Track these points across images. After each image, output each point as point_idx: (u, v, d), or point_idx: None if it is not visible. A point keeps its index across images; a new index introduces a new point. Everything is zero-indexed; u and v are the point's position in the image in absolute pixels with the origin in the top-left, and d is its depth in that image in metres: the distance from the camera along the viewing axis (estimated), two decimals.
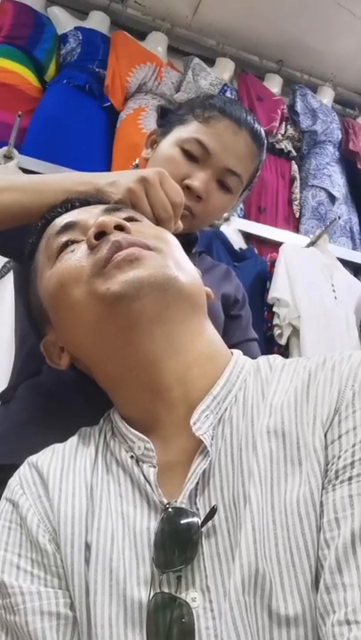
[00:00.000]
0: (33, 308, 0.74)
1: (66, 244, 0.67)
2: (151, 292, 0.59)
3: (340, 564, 0.45)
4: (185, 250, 0.70)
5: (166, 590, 0.51)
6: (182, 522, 0.52)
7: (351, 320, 2.15)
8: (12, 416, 0.86)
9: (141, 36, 2.74)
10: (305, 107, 2.85)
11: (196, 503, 0.54)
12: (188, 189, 0.93)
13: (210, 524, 0.52)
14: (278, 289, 2.08)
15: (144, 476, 0.57)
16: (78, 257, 0.64)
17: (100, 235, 0.63)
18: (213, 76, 2.72)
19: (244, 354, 0.68)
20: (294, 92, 2.92)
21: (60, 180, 0.83)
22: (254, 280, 2.15)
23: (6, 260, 1.83)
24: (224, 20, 2.79)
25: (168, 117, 1.07)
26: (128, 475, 0.59)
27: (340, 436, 0.51)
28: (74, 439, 0.66)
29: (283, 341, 2.05)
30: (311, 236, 2.40)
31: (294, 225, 2.65)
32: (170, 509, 0.53)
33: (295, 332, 2.05)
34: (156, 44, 2.72)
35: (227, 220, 2.20)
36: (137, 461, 0.59)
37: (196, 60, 2.73)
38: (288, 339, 2.07)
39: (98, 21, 2.67)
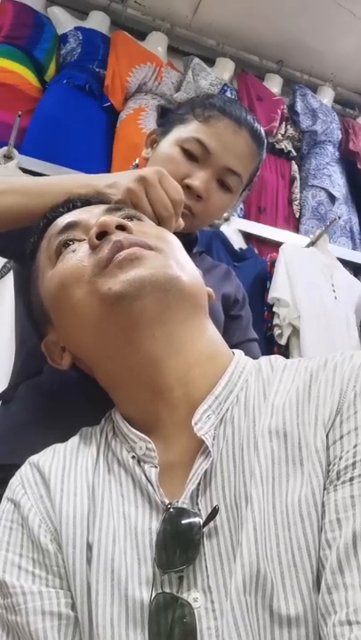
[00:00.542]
0: (34, 308, 0.74)
1: (67, 244, 0.67)
2: (153, 291, 0.59)
3: (342, 564, 0.45)
4: (185, 250, 0.70)
5: (168, 590, 0.51)
6: (184, 522, 0.52)
7: (351, 320, 2.15)
8: (12, 416, 0.86)
9: (141, 36, 2.74)
10: (305, 107, 2.86)
11: (197, 503, 0.54)
12: (188, 189, 0.93)
13: (211, 524, 0.52)
14: (278, 289, 2.08)
15: (145, 476, 0.57)
16: (80, 257, 0.64)
17: (102, 234, 0.63)
18: (213, 76, 2.72)
19: (245, 354, 0.68)
20: (294, 92, 2.93)
21: (61, 182, 0.83)
22: (254, 280, 2.15)
23: (6, 259, 1.83)
24: (224, 20, 2.79)
25: (168, 117, 1.07)
26: (130, 475, 0.59)
27: (341, 437, 0.51)
28: (75, 439, 0.66)
29: (283, 341, 2.05)
30: (311, 236, 2.40)
31: (294, 225, 2.65)
32: (171, 510, 0.53)
33: (295, 331, 2.05)
34: (156, 43, 2.73)
35: (227, 219, 2.19)
36: (138, 461, 0.59)
37: (196, 60, 2.73)
38: (288, 339, 2.07)
39: (98, 21, 2.67)
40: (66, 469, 0.61)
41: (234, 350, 0.68)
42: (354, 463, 0.48)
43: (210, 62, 2.83)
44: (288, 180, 2.73)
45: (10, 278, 1.73)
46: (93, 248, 0.63)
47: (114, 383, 0.66)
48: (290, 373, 0.60)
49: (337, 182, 2.75)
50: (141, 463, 0.59)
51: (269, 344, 2.06)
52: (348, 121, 3.01)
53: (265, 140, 1.04)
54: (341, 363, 0.57)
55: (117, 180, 0.78)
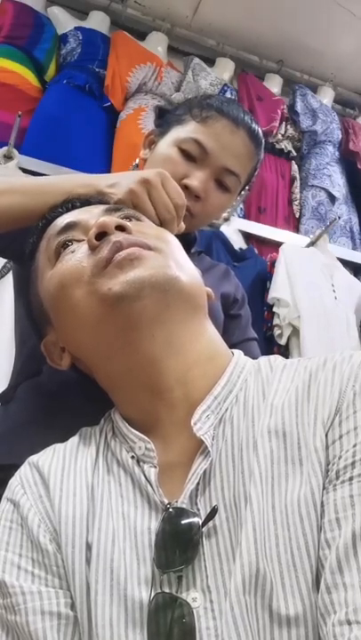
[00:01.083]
0: (33, 309, 0.74)
1: (66, 245, 0.67)
2: (152, 292, 0.59)
3: (341, 563, 0.45)
4: (184, 250, 0.70)
5: (167, 590, 0.51)
6: (183, 522, 0.52)
7: (351, 320, 2.15)
8: (12, 416, 0.86)
9: (141, 35, 2.74)
10: (305, 107, 2.86)
11: (196, 503, 0.54)
12: (186, 189, 0.93)
13: (211, 524, 0.52)
14: (278, 289, 2.08)
15: (145, 476, 0.58)
16: (79, 257, 0.64)
17: (101, 235, 0.63)
18: (213, 76, 2.72)
19: (245, 353, 0.69)
20: (294, 91, 2.93)
21: (61, 182, 0.83)
22: (254, 280, 2.15)
23: (6, 260, 1.83)
24: (224, 20, 2.79)
25: (166, 118, 1.07)
26: (129, 475, 0.59)
27: (340, 436, 0.51)
28: (74, 439, 0.66)
29: (283, 341, 2.05)
30: (311, 236, 2.40)
31: (294, 225, 2.65)
32: (171, 509, 0.54)
33: (295, 332, 2.05)
34: (156, 43, 2.73)
35: (227, 220, 2.20)
36: (138, 462, 0.59)
37: (196, 60, 2.74)
38: (288, 339, 2.07)
39: (98, 21, 2.67)
40: (65, 469, 0.61)
41: (233, 350, 0.68)
42: (353, 463, 0.48)
43: (210, 62, 2.83)
44: (288, 180, 2.73)
45: (10, 278, 1.73)
46: (93, 249, 0.63)
47: (113, 383, 0.66)
48: (289, 373, 0.60)
49: (337, 182, 2.75)
50: (141, 463, 0.59)
51: (269, 344, 2.06)
52: (349, 121, 3.01)
53: (263, 140, 1.04)
54: (341, 362, 0.57)
55: (119, 181, 0.78)
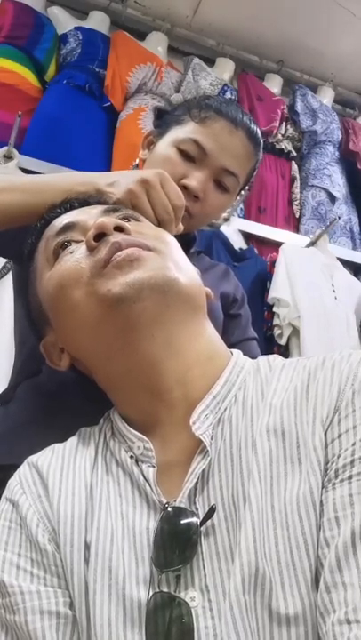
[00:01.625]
0: (32, 309, 0.74)
1: (65, 246, 0.67)
2: (152, 294, 0.59)
3: (341, 562, 0.45)
4: (183, 250, 0.70)
5: (165, 590, 0.51)
6: (181, 521, 0.52)
7: (351, 320, 2.15)
8: (11, 416, 0.86)
9: (141, 36, 2.74)
10: (305, 107, 2.86)
11: (195, 503, 0.54)
12: (185, 189, 0.93)
13: (209, 523, 0.52)
14: (278, 289, 2.08)
15: (143, 475, 0.58)
16: (78, 258, 0.64)
17: (100, 236, 0.63)
18: (213, 76, 2.72)
19: (244, 353, 0.69)
20: (294, 92, 2.93)
21: (60, 180, 0.83)
22: (254, 280, 2.15)
23: (6, 259, 1.83)
24: (224, 20, 2.79)
25: (164, 118, 1.07)
26: (128, 475, 0.59)
27: (339, 435, 0.51)
28: (74, 439, 0.66)
29: (283, 341, 2.05)
30: (311, 236, 2.40)
31: (294, 225, 2.65)
32: (169, 509, 0.54)
33: (295, 332, 2.05)
34: (156, 43, 2.73)
35: (227, 220, 2.20)
36: (136, 461, 0.59)
37: (196, 60, 2.74)
38: (288, 339, 2.07)
39: (98, 21, 2.67)
40: (64, 469, 0.61)
41: (232, 350, 0.68)
42: (352, 461, 0.48)
43: (210, 62, 2.83)
44: (288, 180, 2.73)
45: (10, 278, 1.73)
46: (91, 250, 0.63)
47: (113, 384, 0.66)
48: (288, 373, 0.60)
49: (337, 182, 2.75)
50: (139, 463, 0.59)
51: (269, 344, 2.06)
52: (349, 121, 3.01)
53: (261, 141, 1.04)
54: (339, 361, 0.57)
55: (118, 180, 0.78)
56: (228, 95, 2.69)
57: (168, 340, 0.61)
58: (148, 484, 0.57)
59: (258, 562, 0.48)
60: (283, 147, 2.79)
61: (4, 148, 2.06)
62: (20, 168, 2.02)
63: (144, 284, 0.59)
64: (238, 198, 1.09)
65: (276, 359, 0.65)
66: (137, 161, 1.10)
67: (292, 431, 0.53)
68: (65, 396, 0.81)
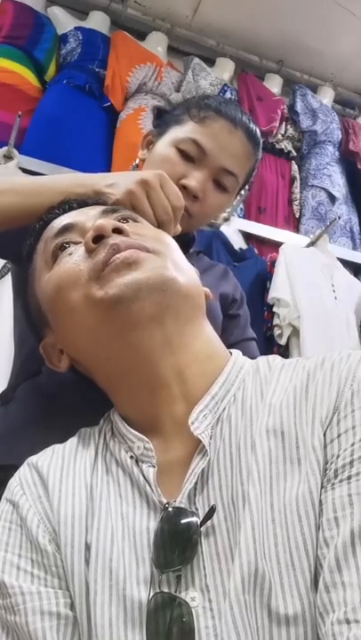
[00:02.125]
0: (31, 311, 0.74)
1: (63, 247, 0.67)
2: (150, 294, 0.59)
3: (340, 562, 0.45)
4: (182, 250, 0.70)
5: (166, 590, 0.51)
6: (182, 521, 0.52)
7: (351, 320, 2.15)
8: (11, 416, 0.86)
9: (141, 36, 2.74)
10: (305, 107, 2.86)
11: (195, 503, 0.54)
12: (184, 189, 0.93)
13: (209, 523, 0.52)
14: (278, 289, 2.08)
15: (143, 475, 0.58)
16: (76, 260, 0.64)
17: (98, 238, 0.63)
18: (213, 76, 2.72)
19: (243, 353, 0.69)
20: (294, 92, 2.93)
21: (58, 181, 0.82)
22: (254, 280, 2.15)
23: (5, 260, 1.83)
24: (224, 20, 2.79)
25: (164, 118, 1.07)
26: (128, 475, 0.59)
27: (339, 435, 0.51)
28: (74, 440, 0.66)
29: (283, 341, 2.06)
30: (311, 236, 2.40)
31: (294, 225, 2.65)
32: (169, 509, 0.54)
33: (295, 332, 2.05)
34: (156, 43, 2.73)
35: (226, 220, 2.19)
36: (136, 461, 0.59)
37: (196, 60, 2.74)
38: (288, 339, 2.07)
39: (98, 21, 2.67)
40: (64, 470, 0.61)
41: (231, 350, 0.68)
42: (351, 461, 0.48)
43: (210, 62, 2.83)
44: (288, 180, 2.73)
45: (9, 279, 1.73)
46: (90, 252, 0.63)
47: (112, 384, 0.66)
48: (287, 373, 0.60)
49: (337, 182, 2.75)
50: (139, 463, 0.59)
51: (269, 344, 2.06)
52: (349, 121, 3.01)
53: (260, 141, 1.04)
54: (339, 362, 0.57)
55: (117, 181, 0.78)
56: (228, 95, 2.69)
57: (167, 340, 0.61)
58: (149, 484, 0.57)
59: (257, 562, 0.48)
60: (283, 147, 2.79)
61: (4, 148, 2.06)
62: (20, 168, 2.02)
63: (142, 284, 0.59)
64: (238, 198, 1.08)
65: (275, 359, 0.65)
66: (137, 161, 1.10)
67: (291, 431, 0.53)
68: (65, 397, 0.81)
